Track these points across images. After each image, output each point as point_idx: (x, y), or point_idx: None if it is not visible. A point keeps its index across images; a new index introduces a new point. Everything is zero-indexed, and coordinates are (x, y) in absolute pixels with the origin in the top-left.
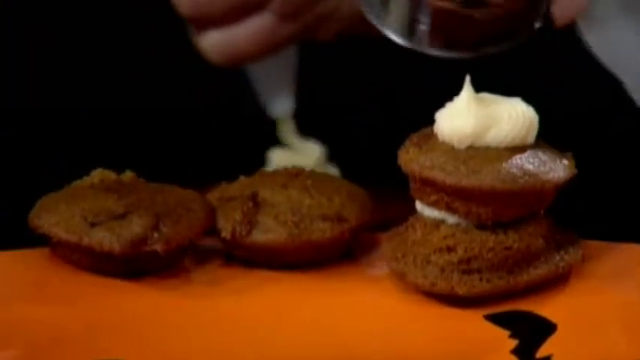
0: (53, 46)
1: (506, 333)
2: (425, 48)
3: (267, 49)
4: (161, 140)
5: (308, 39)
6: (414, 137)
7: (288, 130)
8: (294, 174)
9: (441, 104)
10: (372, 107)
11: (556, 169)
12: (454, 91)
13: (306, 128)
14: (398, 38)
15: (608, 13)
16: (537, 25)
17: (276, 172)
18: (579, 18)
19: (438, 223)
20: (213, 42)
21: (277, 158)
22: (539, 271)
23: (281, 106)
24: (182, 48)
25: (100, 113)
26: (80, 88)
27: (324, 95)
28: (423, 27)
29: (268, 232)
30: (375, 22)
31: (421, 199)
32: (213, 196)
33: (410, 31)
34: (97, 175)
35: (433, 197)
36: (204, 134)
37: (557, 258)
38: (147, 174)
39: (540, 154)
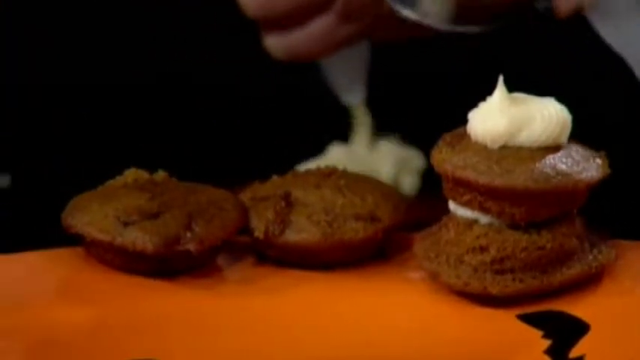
0: (94, 42)
1: (539, 333)
2: (436, 24)
3: (329, 49)
4: (194, 140)
5: (367, 39)
6: (447, 137)
7: (362, 116)
8: (327, 174)
9: (474, 104)
10: (405, 106)
11: (589, 168)
12: (487, 90)
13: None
14: (411, 14)
15: (620, 7)
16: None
17: (308, 172)
18: (590, 12)
19: (471, 223)
20: (277, 42)
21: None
22: (572, 271)
23: (354, 94)
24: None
25: (132, 112)
26: (113, 86)
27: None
28: (435, 4)
29: (301, 232)
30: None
31: (454, 199)
32: (245, 195)
33: (422, 7)
34: (130, 174)
35: (466, 197)
36: (237, 133)
37: (591, 258)
38: (179, 173)
39: (573, 153)
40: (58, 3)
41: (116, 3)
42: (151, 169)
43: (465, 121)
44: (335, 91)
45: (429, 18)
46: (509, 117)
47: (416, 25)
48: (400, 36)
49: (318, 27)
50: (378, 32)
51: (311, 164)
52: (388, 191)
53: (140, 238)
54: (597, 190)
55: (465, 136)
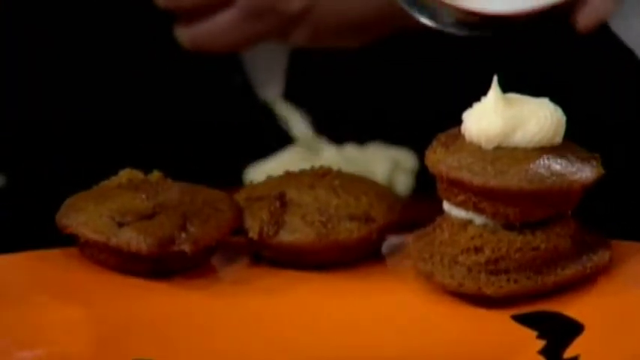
0: (93, 43)
1: (533, 333)
2: (449, 29)
3: (235, 44)
4: (189, 140)
5: (282, 41)
6: (442, 137)
7: (280, 110)
8: (321, 174)
9: (468, 104)
10: (399, 107)
11: (583, 169)
12: (482, 91)
13: (339, 130)
14: (425, 19)
15: (628, 9)
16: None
17: (303, 172)
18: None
19: (465, 224)
20: (183, 32)
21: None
22: (566, 272)
23: (271, 90)
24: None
25: (125, 113)
26: (106, 91)
27: (352, 96)
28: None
29: (295, 232)
30: (403, 4)
31: (449, 200)
32: (240, 196)
33: (435, 12)
34: (125, 174)
35: (460, 197)
36: (234, 133)
37: (585, 258)
38: (174, 174)
39: (568, 154)
40: (60, 8)
41: (116, 8)
42: (146, 169)
43: (459, 121)
44: (253, 85)
45: (444, 25)
46: (503, 118)
47: (341, 38)
48: (324, 45)
49: (222, 21)
50: (293, 36)
51: (265, 165)
52: (382, 191)
53: (135, 239)
54: (592, 190)
55: (459, 136)
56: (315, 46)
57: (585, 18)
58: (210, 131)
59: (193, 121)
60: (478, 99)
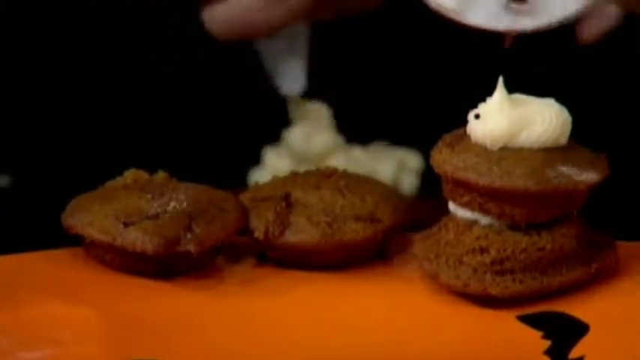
0: (85, 47)
1: (539, 334)
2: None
3: (265, 26)
4: (194, 140)
5: (312, 18)
6: (447, 138)
7: (299, 108)
8: (327, 174)
9: (473, 105)
10: (404, 107)
11: (589, 170)
12: (487, 91)
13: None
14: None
15: None
16: None
17: (308, 173)
18: None
19: (471, 224)
20: (212, 16)
21: (272, 160)
22: (572, 272)
23: (294, 86)
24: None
25: (131, 113)
26: (112, 89)
27: (356, 96)
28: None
29: (301, 233)
30: None
31: (454, 200)
32: (245, 196)
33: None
34: (130, 175)
35: (466, 198)
36: (238, 134)
37: (590, 259)
38: (179, 174)
39: (573, 155)
40: (63, 5)
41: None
42: (151, 169)
43: (464, 122)
44: (275, 82)
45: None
46: (509, 118)
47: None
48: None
49: (249, 2)
50: (323, 11)
51: (257, 173)
52: (388, 192)
53: (140, 239)
54: (597, 191)
55: (464, 137)
56: (339, 12)
57: (588, 31)
58: (215, 131)
59: (197, 121)
60: (483, 99)
